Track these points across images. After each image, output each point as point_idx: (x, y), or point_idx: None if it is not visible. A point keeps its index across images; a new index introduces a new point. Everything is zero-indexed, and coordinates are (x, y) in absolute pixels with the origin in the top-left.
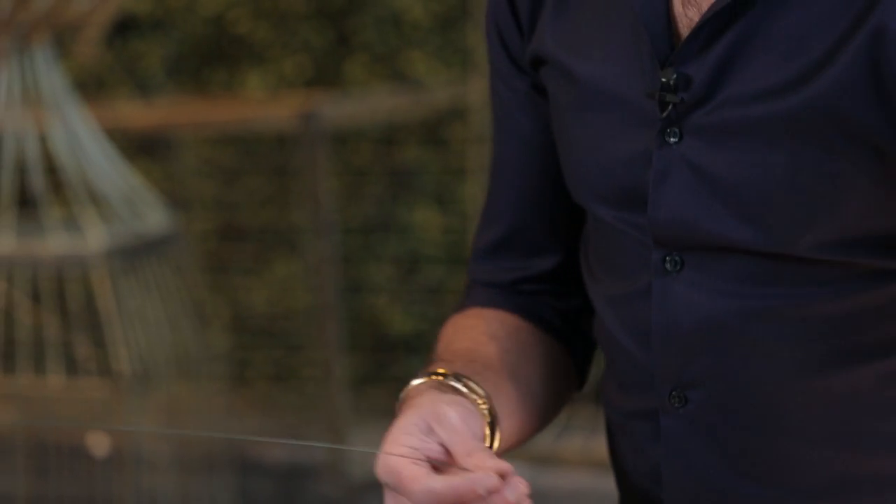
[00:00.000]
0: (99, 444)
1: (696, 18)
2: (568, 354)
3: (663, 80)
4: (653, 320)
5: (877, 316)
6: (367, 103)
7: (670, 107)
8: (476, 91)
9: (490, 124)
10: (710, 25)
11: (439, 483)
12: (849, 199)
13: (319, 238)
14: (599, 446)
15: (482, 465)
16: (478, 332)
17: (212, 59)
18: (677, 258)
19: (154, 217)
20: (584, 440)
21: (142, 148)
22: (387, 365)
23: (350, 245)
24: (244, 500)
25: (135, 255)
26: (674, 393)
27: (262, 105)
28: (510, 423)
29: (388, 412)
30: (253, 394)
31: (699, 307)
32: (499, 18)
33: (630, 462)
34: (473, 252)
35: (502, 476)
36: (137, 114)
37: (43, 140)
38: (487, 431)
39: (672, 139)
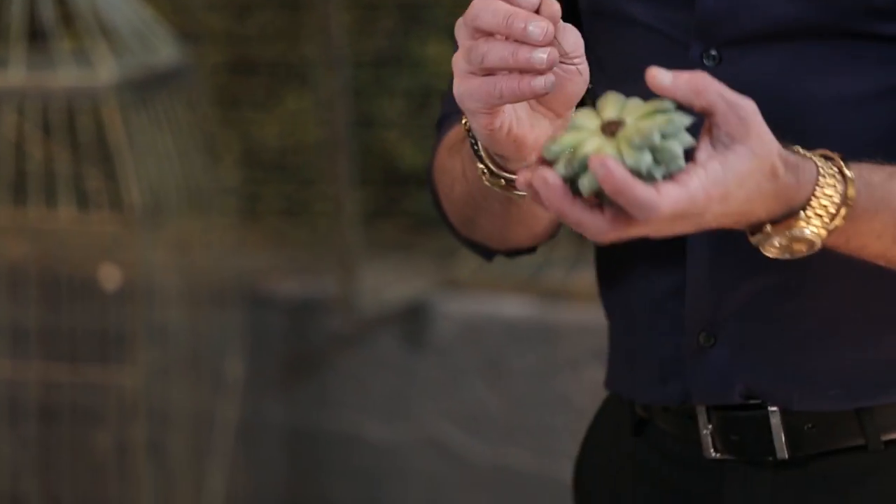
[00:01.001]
0: (110, 277)
1: None
2: None
3: None
4: None
5: None
6: None
7: None
8: None
9: None
10: None
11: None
12: None
13: (331, 72)
14: None
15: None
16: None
17: None
18: (714, 53)
19: (165, 50)
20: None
21: None
22: (398, 199)
23: (361, 79)
24: (255, 334)
25: (145, 88)
26: None
27: None
28: None
29: (399, 246)
30: (264, 228)
31: None
32: None
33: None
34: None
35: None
36: None
37: None
38: None
39: None
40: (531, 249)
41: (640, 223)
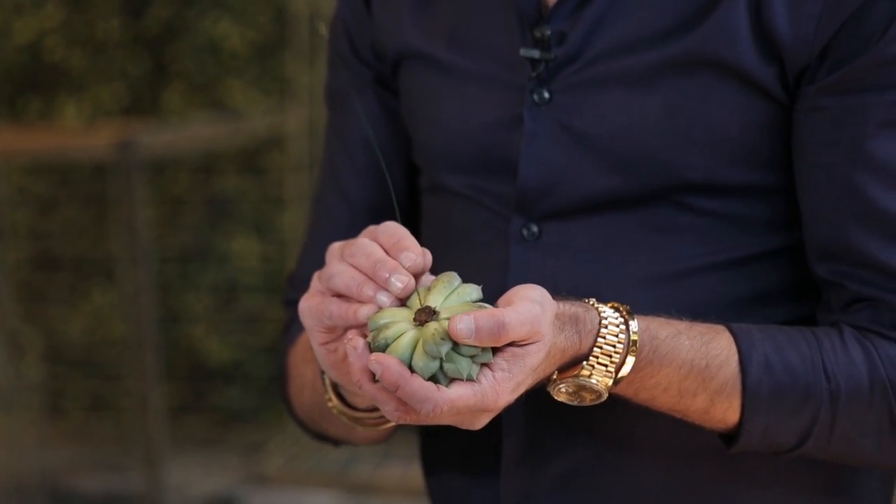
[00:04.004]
0: None
1: None
2: None
3: (537, 34)
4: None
5: (738, 275)
6: (184, 132)
7: (542, 65)
8: (294, 120)
9: (307, 153)
10: None
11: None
12: (719, 143)
13: (136, 267)
14: (417, 474)
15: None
16: None
17: (26, 87)
18: (535, 229)
19: None
20: (402, 469)
21: None
22: (204, 394)
23: (167, 274)
24: None
25: None
26: None
27: (78, 133)
28: None
29: (205, 441)
30: (67, 424)
31: (555, 275)
32: (347, 17)
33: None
34: (298, 277)
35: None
36: None
37: None
38: None
39: (542, 100)
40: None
41: (420, 415)
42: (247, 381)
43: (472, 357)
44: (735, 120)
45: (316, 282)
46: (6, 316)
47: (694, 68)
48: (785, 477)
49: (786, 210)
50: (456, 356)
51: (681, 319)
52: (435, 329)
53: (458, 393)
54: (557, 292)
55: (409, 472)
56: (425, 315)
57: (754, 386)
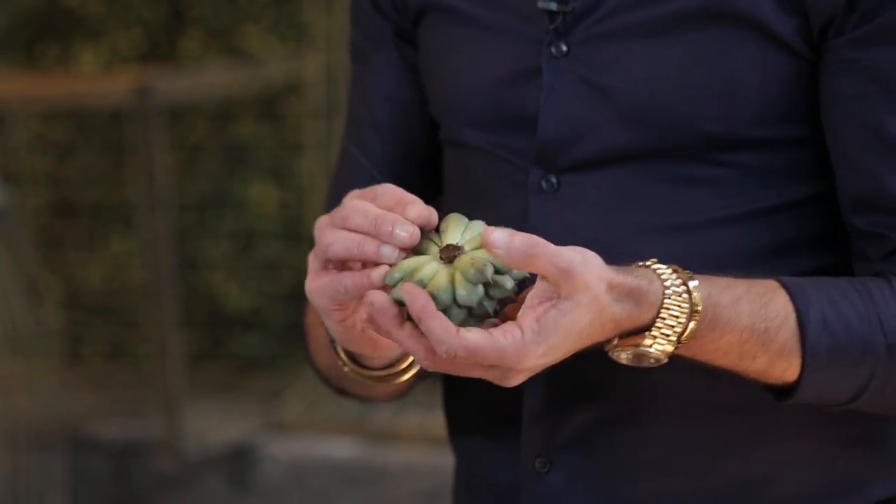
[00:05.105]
0: None
1: None
2: None
3: None
4: None
5: (759, 227)
6: (202, 78)
7: (560, 17)
8: (312, 66)
9: (325, 99)
10: None
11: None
12: (739, 97)
13: (154, 214)
14: (436, 422)
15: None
16: None
17: (43, 33)
18: (553, 180)
19: None
20: (421, 416)
21: None
22: (223, 341)
23: (185, 221)
24: (78, 478)
25: None
26: None
27: (95, 79)
28: None
29: (223, 388)
30: (87, 370)
31: (575, 226)
32: None
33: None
34: None
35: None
36: None
37: None
38: None
39: (560, 52)
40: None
41: (448, 361)
42: (265, 329)
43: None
44: (755, 73)
45: (312, 260)
46: (25, 262)
47: (713, 21)
48: (810, 430)
49: (807, 162)
50: (499, 277)
51: (737, 278)
52: (472, 257)
53: (474, 339)
54: (576, 244)
55: (427, 419)
56: (452, 251)
57: (814, 346)
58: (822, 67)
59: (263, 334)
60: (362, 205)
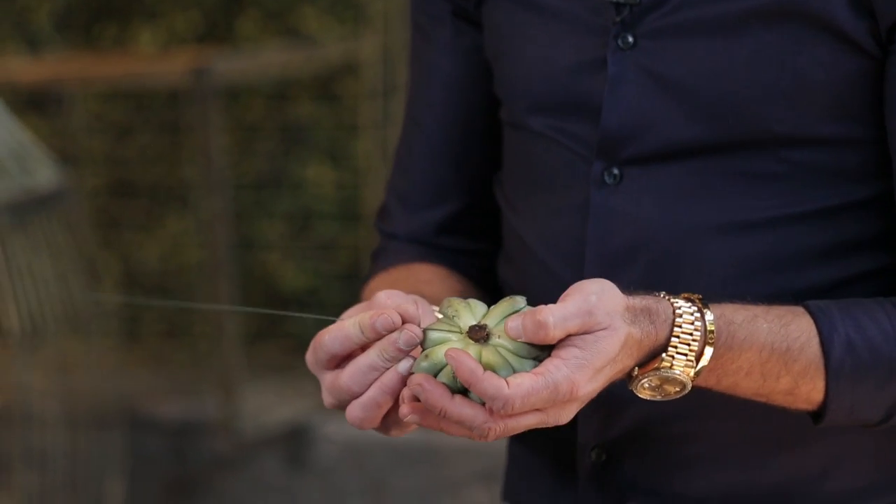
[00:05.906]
0: None
1: None
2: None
3: None
4: (589, 233)
5: (822, 225)
6: (259, 59)
7: (627, 9)
8: (369, 46)
9: (382, 80)
10: None
11: (349, 323)
12: (807, 95)
13: (211, 194)
14: None
15: (387, 304)
16: (413, 280)
17: (102, 14)
18: (616, 171)
19: (44, 173)
20: None
21: (31, 103)
22: (279, 321)
23: (242, 201)
24: (135, 457)
25: (25, 211)
26: None
27: (153, 60)
28: None
29: (279, 368)
30: (144, 350)
31: (636, 220)
32: None
33: None
34: (384, 205)
35: (403, 317)
36: (26, 69)
37: None
38: None
39: (626, 44)
40: None
41: (503, 422)
42: (322, 309)
43: (534, 359)
44: (823, 72)
45: (331, 400)
46: (83, 243)
47: (783, 19)
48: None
49: (871, 162)
50: (526, 361)
51: (756, 304)
52: (501, 334)
53: (527, 383)
54: (637, 238)
55: None
56: (479, 331)
57: (837, 367)
58: (886, 68)
59: (320, 314)
60: (350, 335)
